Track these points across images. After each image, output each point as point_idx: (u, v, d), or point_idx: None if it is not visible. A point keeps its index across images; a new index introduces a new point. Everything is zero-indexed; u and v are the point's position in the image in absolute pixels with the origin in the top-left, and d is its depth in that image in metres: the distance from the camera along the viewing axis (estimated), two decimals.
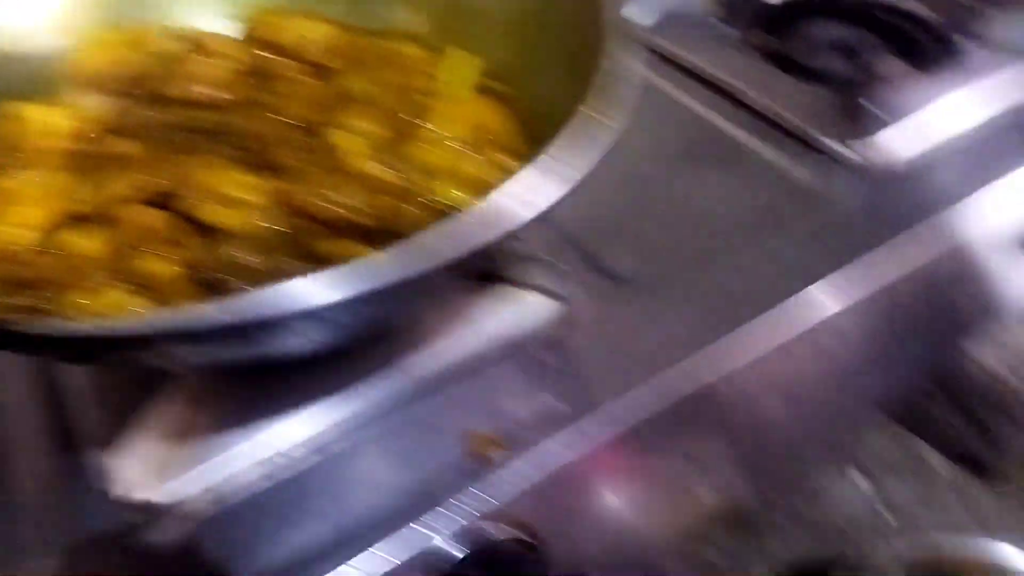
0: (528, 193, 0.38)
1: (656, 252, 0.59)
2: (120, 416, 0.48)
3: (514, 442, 0.47)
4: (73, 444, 0.49)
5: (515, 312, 0.53)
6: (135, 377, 0.51)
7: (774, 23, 0.78)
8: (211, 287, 0.50)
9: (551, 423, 0.48)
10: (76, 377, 0.53)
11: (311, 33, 0.68)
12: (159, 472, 0.47)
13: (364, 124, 0.57)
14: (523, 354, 0.52)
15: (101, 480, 0.45)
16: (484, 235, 0.37)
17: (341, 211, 0.52)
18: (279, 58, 0.66)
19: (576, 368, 0.52)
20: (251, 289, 0.36)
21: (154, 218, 0.52)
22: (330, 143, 0.56)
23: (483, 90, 0.61)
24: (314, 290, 0.34)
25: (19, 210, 0.53)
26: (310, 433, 0.49)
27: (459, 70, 0.65)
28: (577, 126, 0.41)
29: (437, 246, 0.36)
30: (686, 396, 0.51)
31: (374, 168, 0.55)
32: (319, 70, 0.66)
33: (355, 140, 0.57)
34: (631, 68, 0.45)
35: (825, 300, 0.56)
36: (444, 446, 0.48)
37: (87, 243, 0.52)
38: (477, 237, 0.37)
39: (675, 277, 0.56)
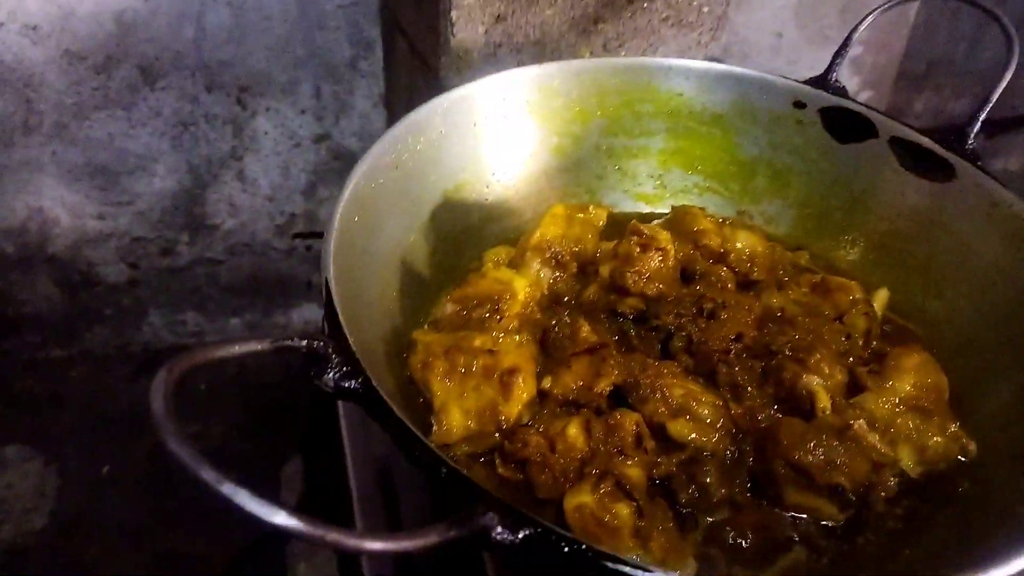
0: None
1: None
2: None
3: None
4: None
5: None
6: None
7: None
8: (669, 495, 0.55)
9: None
10: None
11: (743, 242, 0.71)
12: None
13: (826, 367, 0.60)
14: None
15: None
16: None
17: (815, 464, 0.53)
18: (710, 262, 0.70)
19: None
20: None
21: (632, 421, 0.56)
22: (803, 387, 0.58)
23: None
24: None
25: (523, 384, 0.57)
26: None
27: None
28: None
29: None
30: None
31: (861, 429, 0.56)
32: (742, 278, 0.70)
33: (824, 392, 0.58)
34: None
35: None
36: None
37: (575, 432, 0.56)
38: None
39: None
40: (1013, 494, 0.54)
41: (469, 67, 0.89)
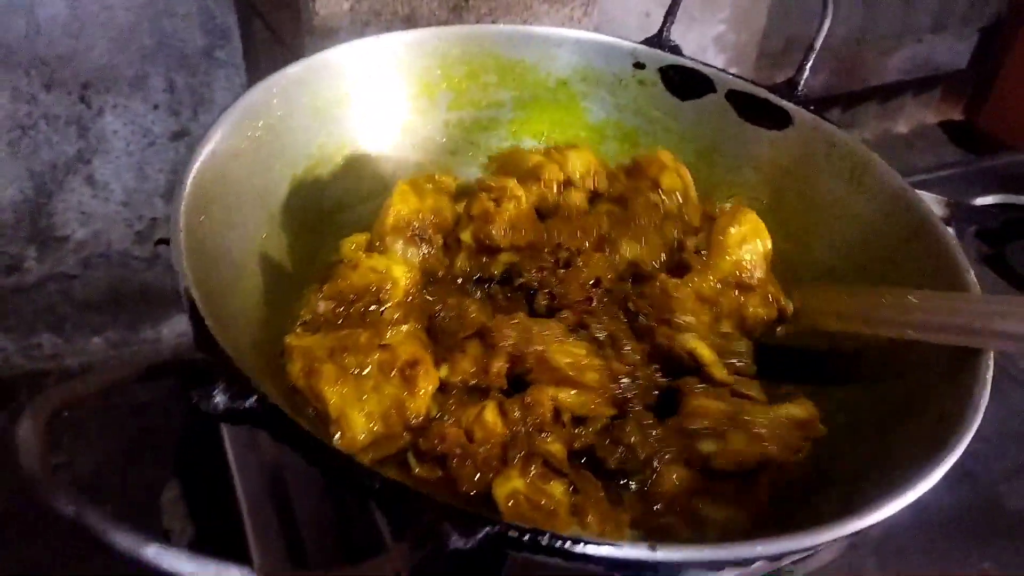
0: None
1: None
2: None
3: None
4: None
5: None
6: None
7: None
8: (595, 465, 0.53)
9: None
10: None
11: (577, 160, 0.71)
12: None
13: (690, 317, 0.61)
14: None
15: None
16: None
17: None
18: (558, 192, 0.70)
19: None
20: None
21: (548, 396, 0.54)
22: (686, 348, 0.58)
23: None
24: None
25: (426, 374, 0.53)
26: None
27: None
28: None
29: None
30: None
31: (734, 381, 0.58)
32: (592, 195, 0.71)
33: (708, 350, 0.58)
34: None
35: None
36: None
37: (492, 417, 0.52)
38: None
39: None
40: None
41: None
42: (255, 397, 0.41)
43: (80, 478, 1.08)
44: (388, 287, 0.58)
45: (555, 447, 0.51)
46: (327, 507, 0.71)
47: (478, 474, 0.50)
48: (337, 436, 0.50)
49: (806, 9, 1.63)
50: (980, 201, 1.18)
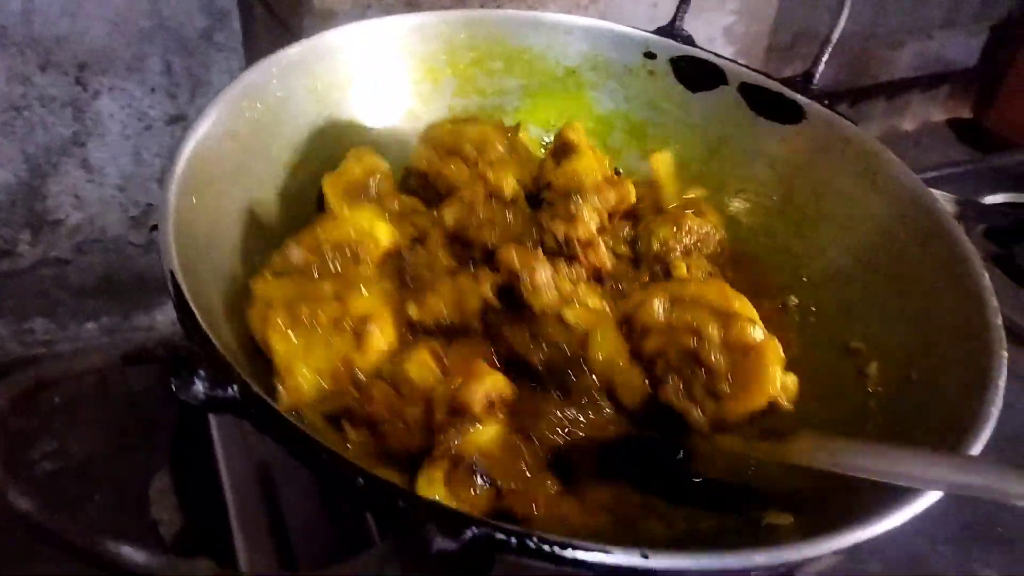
0: None
1: None
2: None
3: None
4: None
5: None
6: None
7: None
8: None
9: None
10: None
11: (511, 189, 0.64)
12: None
13: None
14: None
15: None
16: None
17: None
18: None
19: None
20: None
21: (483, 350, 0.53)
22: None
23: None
24: None
25: (379, 332, 0.51)
26: None
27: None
28: None
29: None
30: None
31: None
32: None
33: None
34: None
35: None
36: None
37: (416, 369, 0.49)
38: None
39: None
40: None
41: None
42: (236, 385, 0.39)
43: (70, 466, 1.07)
44: (369, 245, 0.56)
45: (483, 436, 0.47)
46: (315, 502, 0.69)
47: (408, 441, 0.47)
48: (283, 388, 0.48)
49: (816, 2, 1.62)
50: (989, 200, 1.16)
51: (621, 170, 0.78)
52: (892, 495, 0.42)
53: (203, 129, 0.57)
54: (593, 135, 0.79)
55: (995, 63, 1.94)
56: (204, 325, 0.42)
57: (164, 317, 1.29)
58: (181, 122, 1.14)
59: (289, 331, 0.49)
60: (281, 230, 0.63)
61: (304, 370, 0.49)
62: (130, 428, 1.12)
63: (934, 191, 0.65)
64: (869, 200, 0.67)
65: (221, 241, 0.56)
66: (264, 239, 0.60)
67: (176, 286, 0.45)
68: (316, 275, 0.54)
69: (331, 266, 0.55)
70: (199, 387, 0.39)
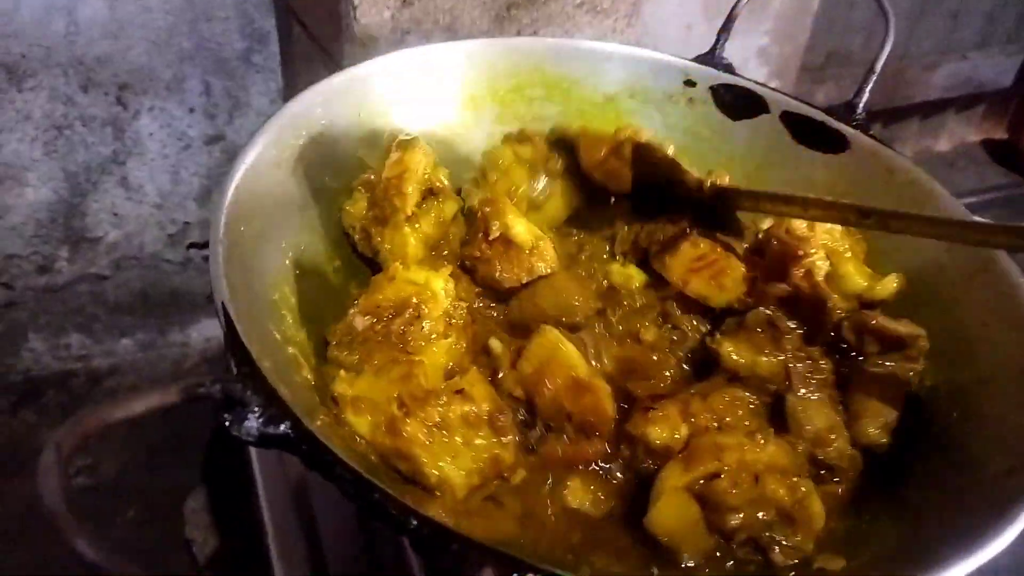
0: None
1: None
2: None
3: None
4: None
5: None
6: None
7: None
8: None
9: None
10: None
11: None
12: None
13: None
14: None
15: None
16: None
17: None
18: None
19: None
20: None
21: None
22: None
23: None
24: None
25: (508, 424, 0.52)
26: None
27: None
28: None
29: None
30: None
31: None
32: None
33: None
34: None
35: None
36: None
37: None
38: None
39: None
40: None
41: (375, 56, 0.80)
42: (289, 423, 0.39)
43: (103, 482, 1.07)
44: (429, 299, 0.56)
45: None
46: (352, 524, 0.69)
47: None
48: (442, 495, 0.49)
49: (849, 24, 1.61)
50: None
51: None
52: (959, 540, 0.41)
53: (250, 157, 0.58)
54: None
55: None
56: (257, 360, 0.42)
57: (198, 334, 1.30)
58: (220, 142, 1.16)
59: (427, 441, 0.49)
60: (329, 252, 0.63)
61: (455, 475, 0.49)
62: (163, 444, 1.12)
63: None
64: None
65: (265, 268, 0.56)
66: (310, 267, 0.61)
67: (228, 318, 0.45)
68: (380, 340, 0.54)
69: (395, 327, 0.54)
70: (252, 424, 0.39)
